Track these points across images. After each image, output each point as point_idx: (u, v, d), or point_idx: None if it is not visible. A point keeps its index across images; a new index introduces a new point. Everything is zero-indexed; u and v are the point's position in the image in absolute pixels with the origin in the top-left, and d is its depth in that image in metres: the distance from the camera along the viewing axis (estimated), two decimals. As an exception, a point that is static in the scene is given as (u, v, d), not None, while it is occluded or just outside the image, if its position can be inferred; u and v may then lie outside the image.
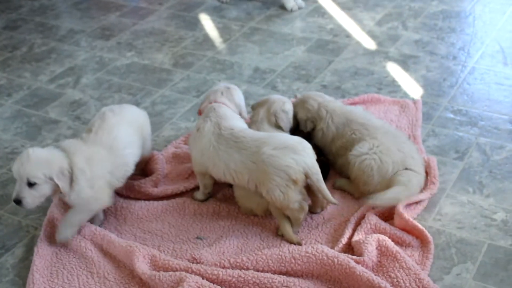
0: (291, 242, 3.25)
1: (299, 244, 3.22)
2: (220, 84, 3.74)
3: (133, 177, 3.75)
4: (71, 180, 3.21)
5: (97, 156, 3.33)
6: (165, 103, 4.50)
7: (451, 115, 4.15)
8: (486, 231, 3.28)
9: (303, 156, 3.19)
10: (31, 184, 3.12)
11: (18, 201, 3.14)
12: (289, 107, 3.70)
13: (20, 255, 3.37)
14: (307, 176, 3.19)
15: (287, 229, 3.28)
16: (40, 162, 3.13)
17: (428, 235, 3.19)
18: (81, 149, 3.31)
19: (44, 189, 3.16)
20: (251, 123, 3.67)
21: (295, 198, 3.21)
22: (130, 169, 3.50)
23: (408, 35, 5.13)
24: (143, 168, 3.80)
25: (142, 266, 3.11)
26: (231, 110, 3.54)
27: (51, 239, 3.39)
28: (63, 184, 3.15)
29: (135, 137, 3.55)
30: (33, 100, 4.65)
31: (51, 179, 3.13)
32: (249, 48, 5.12)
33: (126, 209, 3.55)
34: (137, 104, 4.48)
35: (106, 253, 3.29)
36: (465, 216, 3.38)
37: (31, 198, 3.14)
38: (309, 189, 3.31)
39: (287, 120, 3.68)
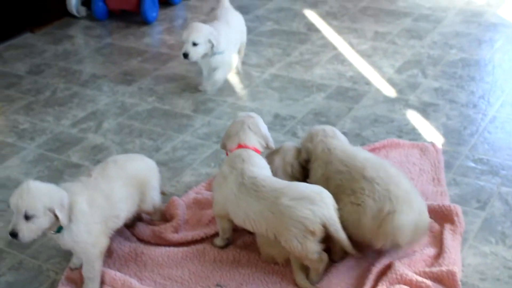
0: None
1: None
2: (241, 114, 3.70)
3: (153, 223, 3.76)
4: (69, 219, 3.17)
5: (98, 200, 3.30)
6: (185, 148, 4.51)
7: (472, 164, 4.13)
8: (509, 283, 3.24)
9: (321, 207, 3.15)
10: (28, 217, 3.06)
11: (14, 234, 3.06)
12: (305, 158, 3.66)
13: (40, 300, 3.36)
14: (325, 227, 3.16)
15: (300, 278, 3.26)
16: (40, 194, 3.08)
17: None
18: (83, 191, 3.29)
19: (42, 222, 3.09)
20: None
21: (313, 248, 3.18)
22: (120, 222, 3.46)
23: (428, 83, 5.15)
24: (162, 215, 3.79)
25: (162, 314, 3.09)
26: (259, 156, 3.51)
27: (72, 284, 3.38)
28: (63, 217, 3.10)
29: (132, 193, 3.50)
30: (55, 144, 4.69)
31: (51, 210, 3.08)
32: (269, 95, 5.15)
33: (146, 255, 3.54)
34: (158, 149, 4.50)
35: (126, 300, 3.28)
36: (488, 267, 3.34)
37: (28, 231, 3.07)
38: (329, 238, 3.28)
39: (300, 171, 3.66)
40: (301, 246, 3.17)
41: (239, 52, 5.45)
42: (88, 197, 3.28)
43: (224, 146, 3.64)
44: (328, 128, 3.73)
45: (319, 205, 3.15)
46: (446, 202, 3.75)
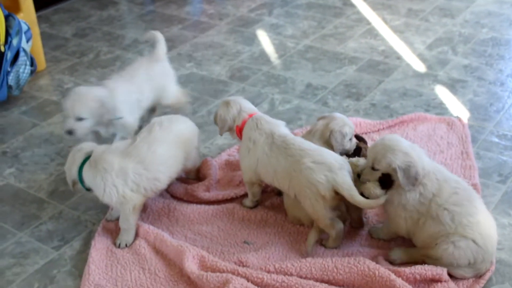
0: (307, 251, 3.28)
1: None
2: (226, 99, 3.70)
3: (186, 181, 3.82)
4: (96, 184, 3.35)
5: (124, 167, 3.36)
6: (220, 113, 4.54)
7: (496, 139, 4.11)
8: (526, 253, 3.25)
9: (336, 174, 3.15)
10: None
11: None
12: (348, 130, 3.57)
13: (77, 248, 3.44)
14: (338, 192, 3.15)
15: (309, 238, 3.29)
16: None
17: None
18: (109, 158, 3.36)
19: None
20: (308, 132, 3.67)
21: (324, 213, 3.20)
22: (162, 184, 3.50)
23: (458, 60, 5.10)
24: (197, 174, 3.85)
25: (191, 266, 3.15)
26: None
27: (108, 234, 3.47)
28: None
29: (177, 154, 3.56)
30: (97, 104, 4.75)
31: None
32: (303, 65, 5.15)
33: (178, 211, 3.60)
34: (194, 112, 4.55)
35: (157, 251, 3.34)
36: (505, 238, 3.34)
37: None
38: (349, 207, 3.32)
39: (340, 141, 3.57)
40: (313, 208, 3.21)
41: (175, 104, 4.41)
42: (116, 163, 3.35)
43: (227, 129, 3.64)
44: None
45: (335, 172, 3.15)
46: (475, 175, 3.75)
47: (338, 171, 3.16)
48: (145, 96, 4.09)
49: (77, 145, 3.48)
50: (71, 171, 3.39)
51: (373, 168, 3.10)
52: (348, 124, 3.61)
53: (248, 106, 3.64)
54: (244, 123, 3.55)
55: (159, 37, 4.31)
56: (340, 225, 3.26)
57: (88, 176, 3.35)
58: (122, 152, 3.41)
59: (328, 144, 3.60)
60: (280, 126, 3.49)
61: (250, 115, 3.57)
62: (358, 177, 3.30)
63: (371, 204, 3.14)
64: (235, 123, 3.59)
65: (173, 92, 4.30)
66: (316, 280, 3.05)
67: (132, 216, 3.37)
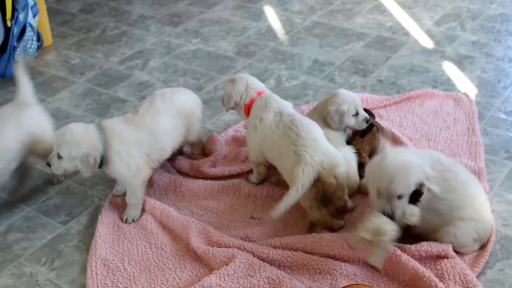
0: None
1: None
2: (234, 77, 3.68)
3: (192, 157, 3.82)
4: (106, 160, 3.31)
5: (136, 139, 3.37)
6: (227, 89, 4.53)
7: (504, 116, 4.08)
8: (531, 230, 3.24)
9: (299, 170, 3.11)
10: (59, 157, 3.28)
11: (48, 164, 3.35)
12: (347, 108, 3.54)
13: (84, 223, 3.46)
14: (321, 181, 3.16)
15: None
16: (72, 141, 3.24)
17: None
18: (120, 131, 3.36)
19: (69, 165, 3.30)
20: (314, 109, 3.67)
21: (303, 198, 3.19)
22: (166, 154, 3.52)
23: (466, 36, 5.06)
24: (202, 149, 3.85)
25: (197, 241, 3.16)
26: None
27: (114, 209, 3.48)
28: (83, 168, 3.27)
29: (178, 125, 3.55)
30: (103, 80, 4.75)
31: (75, 159, 3.25)
32: (310, 41, 5.12)
33: (185, 187, 3.61)
34: (200, 88, 4.53)
35: (164, 226, 3.36)
36: (511, 214, 3.33)
37: (57, 167, 3.32)
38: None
39: (338, 120, 3.56)
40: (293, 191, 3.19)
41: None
42: (125, 137, 3.35)
43: (233, 105, 3.63)
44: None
45: (301, 167, 3.12)
46: (481, 152, 3.73)
47: (304, 166, 3.13)
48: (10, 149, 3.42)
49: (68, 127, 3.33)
50: (96, 149, 3.27)
51: (399, 197, 2.87)
52: (348, 101, 3.57)
53: (255, 83, 3.62)
54: (252, 101, 3.53)
55: (22, 76, 3.64)
56: (317, 215, 3.25)
57: (106, 150, 3.32)
58: (131, 123, 3.41)
59: (326, 124, 3.58)
60: (288, 107, 3.48)
61: (259, 93, 3.55)
62: (360, 166, 3.35)
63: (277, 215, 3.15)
64: (243, 100, 3.57)
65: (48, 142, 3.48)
66: (322, 256, 3.06)
67: (140, 190, 3.38)
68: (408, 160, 2.88)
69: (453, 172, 3.03)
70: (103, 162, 3.32)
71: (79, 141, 3.24)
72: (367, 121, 3.65)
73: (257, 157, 3.50)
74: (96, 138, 3.28)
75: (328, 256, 3.06)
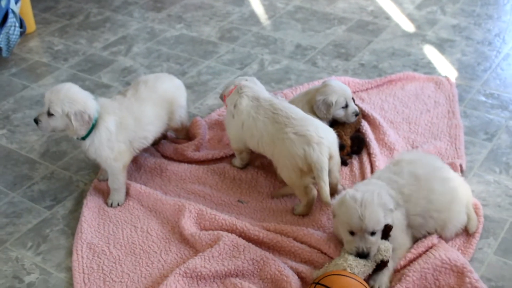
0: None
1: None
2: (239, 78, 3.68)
3: (176, 141, 3.82)
4: (94, 132, 3.28)
5: (125, 122, 3.37)
6: (210, 73, 4.54)
7: (483, 98, 4.12)
8: (510, 209, 3.28)
9: (314, 149, 3.12)
10: (49, 114, 3.24)
11: (35, 121, 3.30)
12: (336, 99, 3.58)
13: (70, 207, 3.46)
14: (312, 169, 3.15)
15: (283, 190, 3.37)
16: (66, 98, 3.22)
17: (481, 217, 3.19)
18: (115, 111, 3.36)
19: (59, 123, 3.25)
20: (304, 95, 3.70)
21: (299, 183, 3.21)
22: (147, 143, 3.52)
23: (446, 20, 5.08)
24: (186, 133, 3.85)
25: (188, 223, 3.18)
26: (258, 83, 3.55)
27: (99, 194, 3.48)
28: (77, 125, 3.22)
29: (161, 113, 3.54)
30: (87, 65, 4.74)
31: (68, 116, 3.21)
32: (292, 25, 5.13)
33: (170, 171, 3.62)
34: (184, 73, 4.54)
35: (151, 210, 3.37)
36: (490, 194, 3.38)
37: (46, 125, 3.28)
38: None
39: (324, 111, 3.59)
40: (289, 176, 3.22)
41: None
42: (119, 117, 3.35)
43: (222, 96, 3.65)
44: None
45: (313, 147, 3.13)
46: (461, 134, 3.77)
47: (316, 145, 3.13)
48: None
49: None
50: (92, 108, 3.25)
51: (372, 233, 2.81)
52: (338, 93, 3.59)
53: (239, 80, 3.59)
54: (230, 92, 3.54)
55: None
56: (313, 194, 3.26)
57: (98, 123, 3.31)
58: (121, 106, 3.40)
59: (313, 112, 3.60)
60: (264, 91, 3.48)
61: (235, 87, 3.55)
62: (342, 148, 3.37)
63: (327, 200, 3.10)
64: (227, 90, 3.58)
65: None
66: (310, 246, 3.08)
67: (122, 175, 3.38)
68: (370, 196, 2.82)
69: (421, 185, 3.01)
70: (89, 133, 3.30)
71: (73, 98, 3.23)
72: (356, 115, 3.67)
73: (239, 145, 3.51)
74: (93, 102, 3.28)
75: (315, 248, 3.06)
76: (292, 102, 3.61)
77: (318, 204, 3.32)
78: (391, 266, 2.89)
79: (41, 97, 4.36)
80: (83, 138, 3.31)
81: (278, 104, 3.33)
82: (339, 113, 3.63)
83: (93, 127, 3.28)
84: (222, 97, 3.64)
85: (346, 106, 3.63)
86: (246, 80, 3.58)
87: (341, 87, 3.65)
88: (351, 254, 2.81)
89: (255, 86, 3.52)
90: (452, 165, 3.40)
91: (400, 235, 2.96)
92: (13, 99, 4.38)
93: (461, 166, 3.49)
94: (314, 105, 3.59)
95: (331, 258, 2.98)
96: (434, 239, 3.02)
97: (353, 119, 3.66)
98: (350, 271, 2.74)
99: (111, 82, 4.51)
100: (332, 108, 3.59)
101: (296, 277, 2.88)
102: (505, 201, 3.32)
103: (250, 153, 3.57)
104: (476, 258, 3.01)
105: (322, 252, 3.03)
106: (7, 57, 4.77)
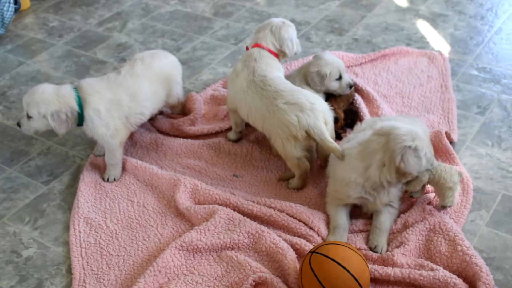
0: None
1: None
2: (273, 19, 3.60)
3: (172, 116, 3.80)
4: (84, 117, 3.27)
5: (118, 99, 3.33)
6: (205, 49, 4.51)
7: (476, 72, 4.10)
8: (502, 182, 3.27)
9: (308, 115, 3.11)
10: (28, 116, 3.24)
11: (18, 125, 3.32)
12: (329, 70, 3.58)
13: (66, 182, 3.44)
14: (309, 134, 3.13)
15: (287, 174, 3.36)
16: (41, 100, 3.20)
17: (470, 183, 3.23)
18: (100, 90, 3.32)
19: (38, 124, 3.25)
20: (299, 70, 3.69)
21: (293, 153, 3.19)
22: (145, 118, 3.49)
23: (439, -5, 5.05)
24: (182, 109, 3.82)
25: (183, 197, 3.18)
26: (271, 56, 3.47)
27: (95, 169, 3.47)
28: (56, 125, 3.21)
29: (158, 90, 3.52)
30: (82, 42, 4.69)
31: (45, 117, 3.20)
32: (286, 1, 5.08)
33: (166, 146, 3.60)
34: (179, 49, 4.50)
35: (147, 184, 3.35)
36: (482, 167, 3.37)
37: (27, 127, 3.29)
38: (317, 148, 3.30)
39: (318, 83, 3.59)
40: (283, 147, 3.20)
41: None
42: (106, 95, 3.31)
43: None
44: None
45: (307, 113, 3.12)
46: (453, 108, 3.76)
47: (309, 111, 3.12)
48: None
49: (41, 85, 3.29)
50: (68, 105, 3.22)
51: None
52: (331, 65, 3.58)
53: (265, 37, 3.52)
54: (252, 47, 3.52)
55: None
56: (306, 166, 3.24)
57: (84, 108, 3.28)
58: (113, 83, 3.37)
59: (309, 86, 3.59)
60: (265, 68, 3.40)
61: (256, 45, 3.51)
62: (336, 121, 3.35)
63: (339, 153, 3.08)
64: (251, 43, 3.55)
65: None
66: (300, 221, 3.07)
67: (119, 151, 3.37)
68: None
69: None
70: (82, 120, 3.28)
71: (48, 100, 3.20)
72: (350, 87, 3.65)
73: (231, 106, 3.51)
74: (69, 96, 3.23)
75: (306, 225, 3.06)
76: (288, 78, 3.58)
77: (311, 179, 3.32)
78: (388, 228, 2.99)
79: (37, 74, 4.33)
80: (79, 125, 3.30)
81: (269, 81, 3.30)
82: (334, 85, 3.62)
83: (82, 114, 3.26)
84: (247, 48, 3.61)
85: (340, 78, 3.61)
86: (283, 23, 3.54)
87: (335, 59, 3.64)
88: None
89: (265, 55, 3.45)
90: (437, 133, 3.45)
91: (397, 199, 3.06)
92: (8, 75, 4.34)
93: (447, 134, 3.48)
94: (309, 77, 3.58)
95: (320, 235, 3.00)
96: (429, 207, 3.06)
97: (347, 91, 3.65)
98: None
99: (107, 58, 4.47)
100: (326, 80, 3.58)
101: (291, 249, 2.89)
102: (497, 173, 3.32)
103: (244, 122, 3.55)
104: (468, 230, 3.02)
105: (311, 229, 3.03)
106: (2, 34, 4.72)
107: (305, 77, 3.62)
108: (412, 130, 2.88)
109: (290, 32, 3.56)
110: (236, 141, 3.60)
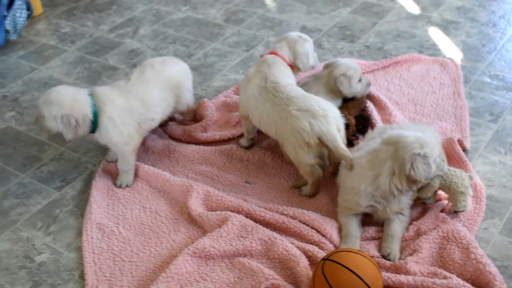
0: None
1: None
2: (294, 33, 3.64)
3: (184, 122, 3.81)
4: (100, 126, 3.27)
5: (129, 106, 3.33)
6: (216, 55, 4.52)
7: (488, 80, 4.09)
8: (515, 190, 3.27)
9: (320, 122, 3.12)
10: (42, 116, 3.23)
11: (35, 123, 3.31)
12: (352, 73, 3.62)
13: (79, 188, 3.46)
14: (321, 141, 3.13)
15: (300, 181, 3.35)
16: (55, 101, 3.21)
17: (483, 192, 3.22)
18: (114, 98, 3.32)
19: (51, 124, 3.24)
20: (315, 79, 3.69)
21: (306, 159, 3.19)
22: (155, 124, 3.50)
23: (451, 2, 5.04)
24: (193, 116, 3.83)
25: (195, 203, 3.18)
26: (284, 65, 3.48)
27: (108, 175, 3.48)
28: (64, 129, 3.21)
29: (168, 96, 3.52)
30: (94, 48, 4.71)
31: (55, 119, 3.20)
32: (297, 8, 5.09)
33: (178, 152, 3.60)
34: (190, 55, 4.51)
35: (159, 191, 3.36)
36: (495, 175, 3.36)
37: (41, 127, 3.29)
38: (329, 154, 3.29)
39: (347, 85, 3.62)
40: (296, 154, 3.20)
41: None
42: (119, 103, 3.32)
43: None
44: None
45: (319, 120, 3.12)
46: (466, 115, 3.75)
47: (322, 118, 3.12)
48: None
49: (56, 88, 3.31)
50: (80, 111, 3.21)
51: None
52: (352, 68, 3.64)
53: (281, 47, 3.55)
54: (261, 56, 3.54)
55: None
56: (319, 173, 3.24)
57: (98, 116, 3.28)
58: (124, 91, 3.37)
59: (334, 92, 3.62)
60: (279, 73, 3.41)
61: (271, 52, 3.52)
62: (347, 127, 3.36)
63: (347, 155, 3.09)
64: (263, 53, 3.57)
65: None
66: (312, 228, 3.07)
67: (132, 157, 3.38)
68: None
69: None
70: (96, 127, 3.29)
71: (62, 102, 3.20)
72: (369, 85, 3.76)
73: (244, 113, 3.51)
74: (85, 102, 3.24)
75: (318, 232, 3.06)
76: (303, 86, 3.59)
77: (323, 186, 3.32)
78: (400, 236, 2.99)
79: (49, 79, 4.35)
80: (93, 132, 3.31)
81: (281, 87, 3.31)
82: (357, 88, 3.69)
83: (96, 121, 3.27)
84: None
85: (360, 79, 3.69)
86: (299, 37, 3.58)
87: (352, 63, 3.73)
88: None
89: (278, 62, 3.46)
90: (449, 140, 3.45)
91: (408, 207, 3.07)
92: (21, 81, 4.36)
93: (460, 141, 3.48)
94: (337, 82, 3.61)
95: (333, 243, 3.00)
96: (442, 214, 3.06)
97: (367, 91, 3.76)
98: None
99: (118, 64, 4.49)
100: (351, 81, 3.63)
101: (304, 256, 2.88)
102: (510, 181, 3.31)
103: (256, 129, 3.56)
104: (481, 238, 3.01)
105: (324, 236, 3.02)
106: (15, 40, 4.75)
107: (327, 85, 3.65)
108: (420, 138, 2.90)
109: (306, 47, 3.58)
110: (248, 147, 3.61)
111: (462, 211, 3.01)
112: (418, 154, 2.84)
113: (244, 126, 3.58)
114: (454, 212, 3.04)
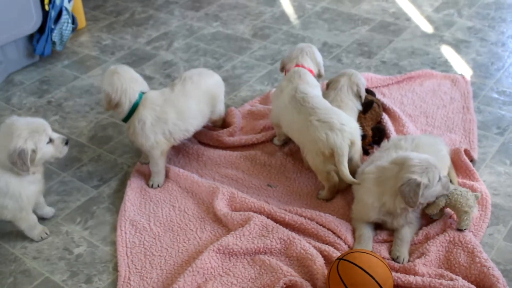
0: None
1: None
2: (300, 44, 3.65)
3: (213, 128, 3.82)
4: (130, 119, 3.30)
5: (165, 117, 3.33)
6: (243, 68, 4.53)
7: (496, 95, 4.05)
8: (519, 199, 3.23)
9: (336, 135, 3.10)
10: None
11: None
12: (364, 82, 3.67)
13: (115, 187, 3.48)
14: (333, 154, 3.12)
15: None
16: (108, 79, 3.29)
17: (489, 199, 3.18)
18: (154, 106, 3.32)
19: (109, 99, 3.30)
20: (330, 90, 3.66)
21: (321, 167, 3.18)
22: (189, 134, 3.49)
23: (462, 22, 5.00)
24: (222, 123, 3.84)
25: (221, 204, 3.19)
26: (311, 76, 3.49)
27: (141, 176, 3.50)
28: (101, 99, 3.30)
29: (204, 108, 3.52)
30: (132, 59, 4.75)
31: (103, 91, 3.30)
32: (320, 25, 5.09)
33: (206, 156, 3.62)
34: (219, 67, 4.53)
35: (188, 191, 3.37)
36: (501, 184, 3.33)
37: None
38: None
39: (363, 92, 3.65)
40: (313, 161, 3.20)
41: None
42: (156, 111, 3.32)
43: (283, 67, 3.63)
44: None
45: (335, 132, 3.11)
46: (474, 128, 3.72)
47: (338, 131, 3.11)
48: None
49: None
50: (124, 94, 3.27)
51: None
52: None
53: (305, 60, 3.54)
54: (291, 68, 3.53)
55: None
56: (335, 180, 3.23)
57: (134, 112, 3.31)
58: (167, 101, 3.37)
59: (357, 95, 3.60)
60: (309, 85, 3.40)
61: (297, 66, 3.51)
62: (364, 138, 3.34)
63: (349, 179, 3.08)
64: (290, 65, 3.56)
65: None
66: (328, 230, 3.06)
67: (161, 160, 3.38)
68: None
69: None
70: (128, 117, 3.32)
71: (112, 81, 3.28)
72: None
73: (275, 120, 3.53)
74: (132, 94, 3.28)
75: (334, 233, 3.04)
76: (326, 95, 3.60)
77: (340, 191, 3.31)
78: (409, 240, 2.96)
79: (90, 87, 4.39)
80: (125, 121, 3.33)
81: (308, 98, 3.30)
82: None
83: (133, 111, 3.29)
84: (283, 69, 3.62)
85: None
86: (310, 47, 3.60)
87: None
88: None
89: (308, 75, 3.47)
90: (456, 150, 3.43)
91: (416, 219, 3.02)
92: (65, 88, 4.41)
93: (468, 152, 3.45)
94: (360, 88, 3.61)
95: (347, 244, 2.99)
96: (450, 220, 3.05)
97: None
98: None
99: (153, 74, 4.52)
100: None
101: (320, 256, 2.88)
102: (515, 191, 3.28)
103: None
104: (486, 243, 2.98)
105: (339, 237, 3.01)
106: (60, 51, 4.81)
107: (352, 91, 3.62)
108: (424, 162, 2.84)
109: (319, 55, 3.63)
110: (281, 145, 3.64)
111: (465, 229, 2.96)
112: (412, 179, 2.80)
113: (277, 131, 3.62)
114: (458, 230, 2.97)
